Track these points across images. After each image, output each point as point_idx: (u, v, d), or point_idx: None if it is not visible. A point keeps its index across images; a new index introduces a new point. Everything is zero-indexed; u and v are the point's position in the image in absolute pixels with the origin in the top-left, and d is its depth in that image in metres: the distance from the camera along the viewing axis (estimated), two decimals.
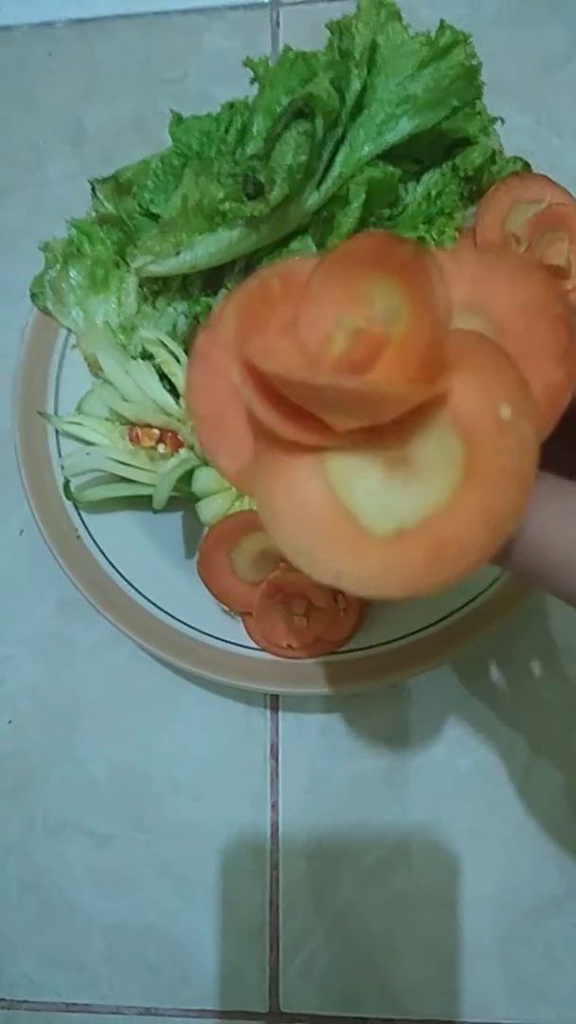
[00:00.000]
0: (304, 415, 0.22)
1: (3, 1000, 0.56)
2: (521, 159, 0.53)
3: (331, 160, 0.50)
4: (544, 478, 0.24)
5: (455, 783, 0.56)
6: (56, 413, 0.56)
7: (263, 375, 0.22)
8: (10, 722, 0.59)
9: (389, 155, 0.51)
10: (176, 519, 0.56)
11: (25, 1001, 0.56)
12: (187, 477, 0.51)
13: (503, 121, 0.53)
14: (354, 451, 0.23)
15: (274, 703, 0.57)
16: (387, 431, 0.23)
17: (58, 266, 0.55)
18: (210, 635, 0.52)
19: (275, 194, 0.47)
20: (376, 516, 0.22)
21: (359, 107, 0.50)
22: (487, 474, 0.22)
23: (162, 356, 0.53)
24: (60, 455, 0.55)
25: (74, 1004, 0.56)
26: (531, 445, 0.21)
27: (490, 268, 0.23)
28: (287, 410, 0.22)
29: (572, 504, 0.24)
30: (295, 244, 0.52)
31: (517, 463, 0.21)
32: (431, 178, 0.52)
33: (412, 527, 0.22)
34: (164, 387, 0.53)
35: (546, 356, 0.23)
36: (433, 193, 0.51)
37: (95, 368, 0.55)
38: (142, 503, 0.53)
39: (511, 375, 0.22)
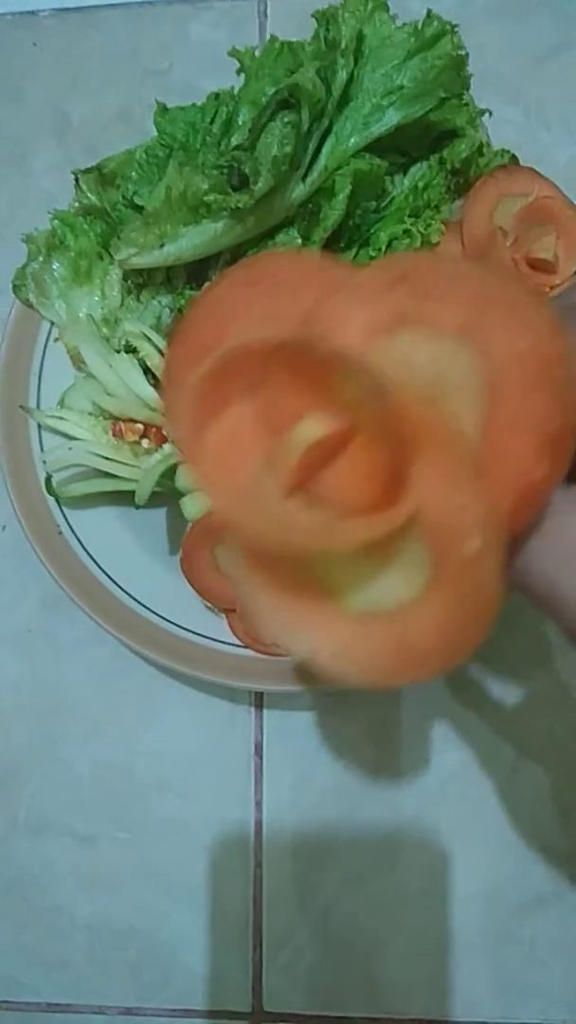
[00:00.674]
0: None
1: None
2: (508, 152, 0.53)
3: (317, 151, 0.50)
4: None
5: (441, 782, 0.55)
6: (38, 407, 0.55)
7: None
8: None
9: (376, 147, 0.50)
10: (160, 515, 0.55)
11: (6, 1001, 0.56)
12: (171, 472, 0.50)
13: (491, 113, 0.53)
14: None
15: (258, 701, 0.57)
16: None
17: (41, 258, 0.54)
18: (193, 632, 0.52)
19: (260, 186, 0.47)
20: (351, 592, 0.22)
21: (345, 98, 0.49)
22: (449, 594, 0.21)
23: (146, 350, 0.52)
24: (42, 450, 0.54)
25: (56, 1004, 0.55)
26: (492, 576, 0.20)
27: (492, 291, 0.21)
28: None
29: (557, 525, 0.23)
30: (280, 236, 0.51)
31: (477, 595, 0.21)
32: (418, 170, 0.51)
33: (383, 614, 0.22)
34: (148, 381, 0.52)
35: (536, 444, 0.21)
36: (420, 186, 0.51)
37: (78, 362, 0.55)
38: (125, 498, 0.53)
39: (474, 506, 0.20)
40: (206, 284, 0.52)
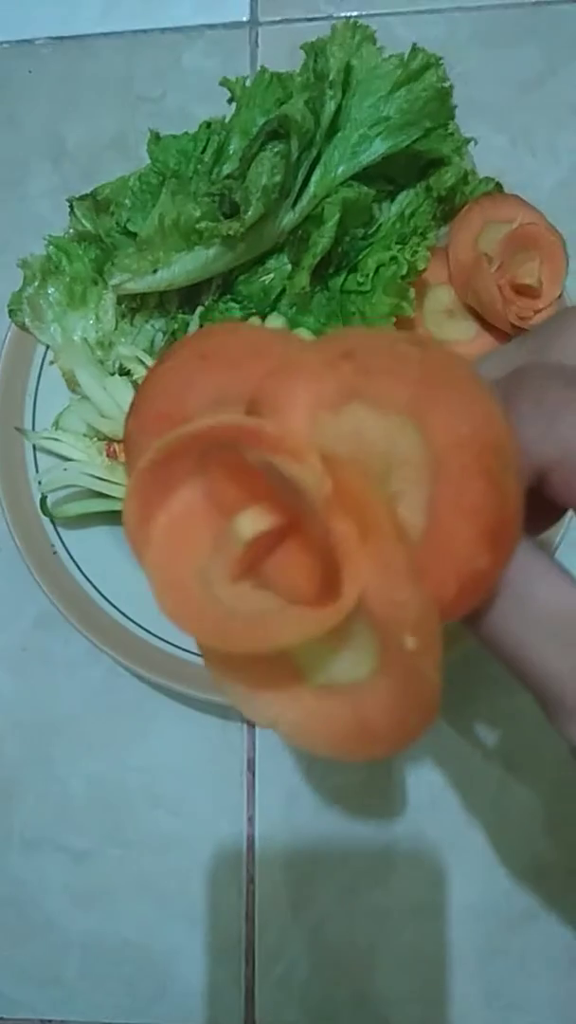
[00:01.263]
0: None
1: None
2: (493, 179, 0.54)
3: (306, 180, 0.51)
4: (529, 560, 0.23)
5: (431, 796, 0.56)
6: (33, 429, 0.56)
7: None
8: None
9: (363, 175, 0.51)
10: None
11: (1, 1018, 0.56)
12: None
13: (476, 142, 0.54)
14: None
15: None
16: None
17: (36, 283, 0.55)
18: (187, 650, 0.53)
19: (251, 214, 0.48)
20: (311, 665, 0.22)
21: (334, 128, 0.50)
22: (395, 679, 0.21)
23: (140, 372, 0.53)
24: (37, 471, 0.55)
25: (50, 1020, 0.56)
26: (431, 671, 0.20)
27: (435, 371, 0.21)
28: None
29: (529, 595, 0.22)
30: (271, 262, 0.52)
31: (419, 686, 0.20)
32: (405, 198, 0.53)
33: (340, 688, 0.22)
34: None
35: (477, 532, 0.20)
36: (407, 213, 0.52)
37: (73, 384, 0.55)
38: (119, 519, 0.53)
39: (413, 604, 0.20)
40: (198, 309, 0.53)
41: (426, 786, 0.56)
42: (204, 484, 0.22)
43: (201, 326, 0.52)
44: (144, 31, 0.69)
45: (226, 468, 0.22)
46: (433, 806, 0.56)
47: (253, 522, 0.21)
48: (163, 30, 0.69)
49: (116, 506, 0.53)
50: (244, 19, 0.68)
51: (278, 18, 0.68)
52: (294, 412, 0.21)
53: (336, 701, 0.22)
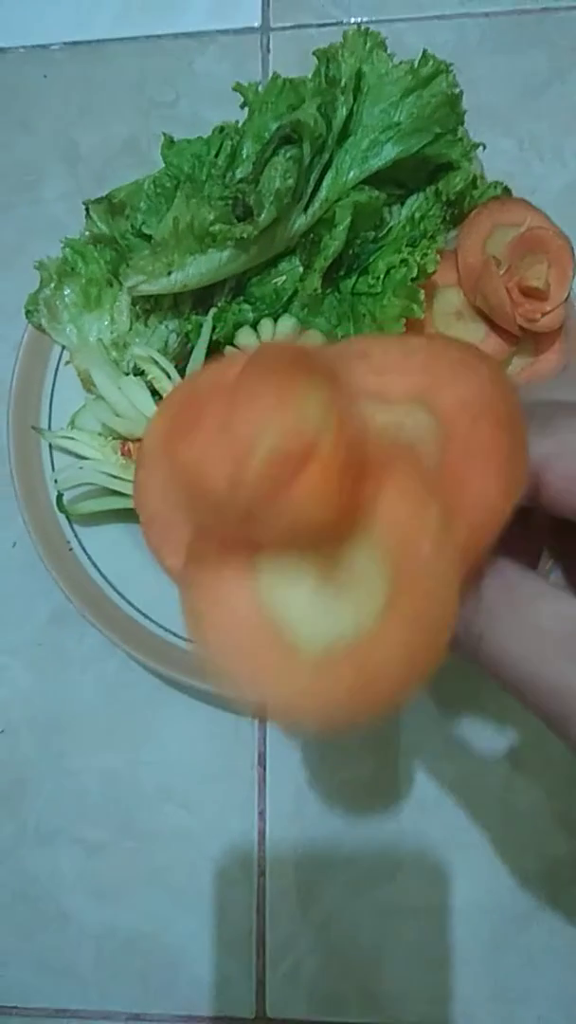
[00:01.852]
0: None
1: None
2: (501, 184, 0.55)
3: (318, 184, 0.52)
4: (503, 574, 0.24)
5: (439, 792, 0.57)
6: (49, 428, 0.57)
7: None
8: (2, 731, 0.60)
9: (374, 179, 0.52)
10: None
11: (15, 1007, 0.57)
12: None
13: (484, 147, 0.55)
14: (285, 557, 0.22)
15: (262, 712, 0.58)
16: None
17: (53, 284, 0.56)
18: None
19: (264, 217, 0.49)
20: (306, 633, 0.21)
21: (345, 133, 0.51)
22: (408, 611, 0.21)
23: (153, 372, 0.54)
24: (53, 469, 0.56)
25: (64, 1010, 0.57)
26: (450, 591, 0.20)
27: (437, 358, 0.22)
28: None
29: (531, 613, 0.23)
30: (283, 265, 0.53)
31: (435, 609, 0.21)
32: (415, 202, 0.54)
33: (340, 649, 0.21)
34: (155, 403, 0.54)
35: (487, 468, 0.21)
36: (416, 216, 0.53)
37: (88, 384, 0.56)
38: (133, 516, 0.54)
39: (432, 512, 0.21)
40: (212, 310, 0.54)
41: (433, 782, 0.57)
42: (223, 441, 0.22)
43: (214, 328, 0.53)
44: (157, 36, 0.70)
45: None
46: (440, 803, 0.57)
47: (284, 438, 0.21)
48: (176, 35, 0.70)
49: (131, 504, 0.54)
50: (256, 25, 0.69)
51: (289, 24, 0.69)
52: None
53: (332, 667, 0.21)
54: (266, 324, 0.53)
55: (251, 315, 0.53)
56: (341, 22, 0.69)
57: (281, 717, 0.23)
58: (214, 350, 0.54)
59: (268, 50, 0.69)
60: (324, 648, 0.21)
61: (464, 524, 0.21)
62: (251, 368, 0.21)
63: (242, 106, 0.56)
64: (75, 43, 0.71)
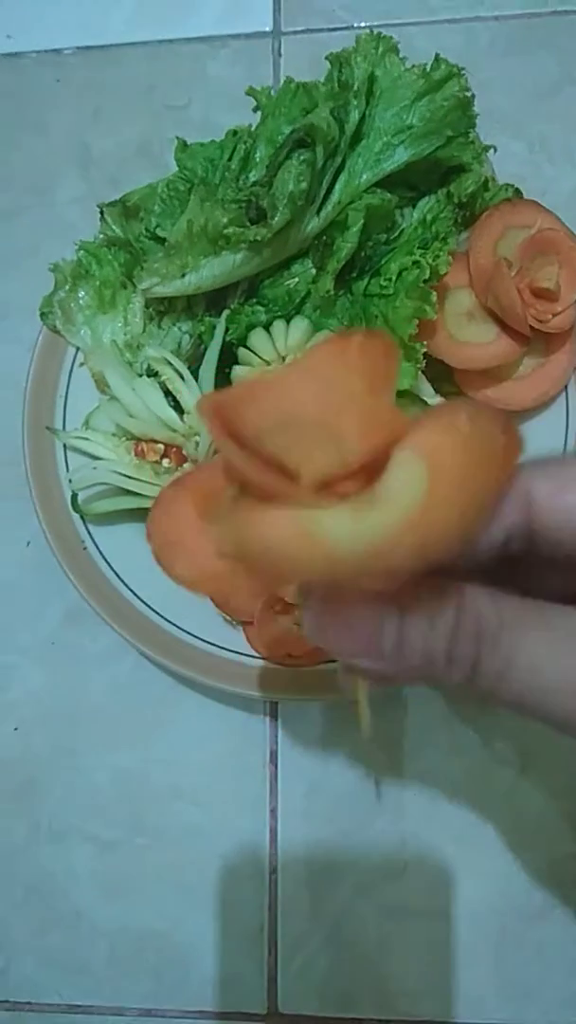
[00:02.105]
0: (278, 475, 0.23)
1: (7, 1002, 0.58)
2: (512, 186, 0.55)
3: (331, 187, 0.52)
4: (528, 604, 0.25)
5: (450, 789, 0.57)
6: (64, 428, 0.57)
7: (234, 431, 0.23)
8: (16, 729, 0.61)
9: (386, 182, 0.53)
10: None
11: (28, 1003, 0.57)
12: None
13: (495, 149, 0.56)
14: (326, 501, 0.23)
15: (273, 711, 0.59)
16: (353, 484, 0.23)
17: (67, 287, 0.57)
18: (212, 644, 0.54)
19: (277, 220, 0.49)
20: (348, 536, 0.23)
21: (358, 136, 0.52)
22: (449, 477, 0.23)
23: (167, 374, 0.55)
24: (68, 469, 0.57)
25: (77, 1006, 0.57)
26: (496, 434, 0.23)
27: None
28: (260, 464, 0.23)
29: (558, 630, 0.25)
30: (296, 267, 0.54)
31: (475, 474, 0.23)
32: (426, 204, 0.54)
33: (387, 530, 0.22)
34: (168, 404, 0.55)
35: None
36: (428, 219, 0.53)
37: (102, 385, 0.57)
38: (147, 516, 0.55)
39: (464, 412, 0.23)
40: (224, 311, 0.54)
41: (444, 779, 0.57)
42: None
43: (227, 329, 0.54)
44: (169, 41, 0.71)
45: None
46: (451, 799, 0.57)
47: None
48: (188, 40, 0.71)
49: (144, 503, 0.54)
50: (267, 29, 0.70)
51: (300, 28, 0.69)
52: None
53: (388, 541, 0.22)
54: (279, 326, 0.53)
55: (264, 317, 0.54)
56: (352, 26, 0.69)
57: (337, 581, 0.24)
58: (227, 352, 0.54)
59: (280, 54, 0.69)
60: (369, 535, 0.22)
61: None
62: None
63: (255, 110, 0.56)
64: (87, 47, 0.72)
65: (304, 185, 0.49)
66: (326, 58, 0.54)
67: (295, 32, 0.70)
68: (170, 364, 0.55)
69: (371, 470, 0.23)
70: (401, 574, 0.23)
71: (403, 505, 0.22)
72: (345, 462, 0.23)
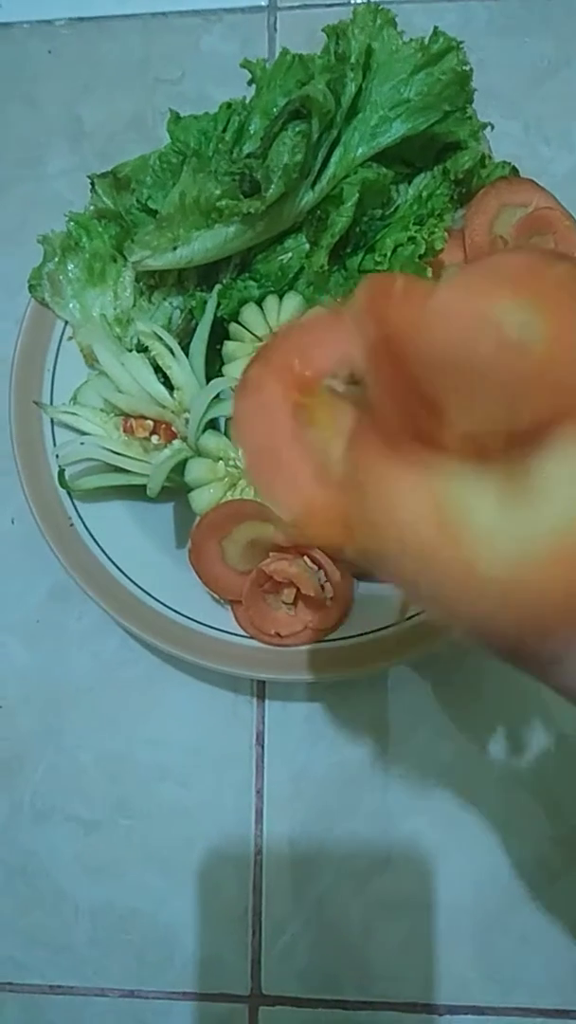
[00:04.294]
0: (421, 412, 0.20)
1: None
2: (509, 164, 0.55)
3: (326, 160, 0.51)
4: None
5: (437, 771, 0.57)
6: (52, 403, 0.57)
7: (395, 348, 0.19)
8: None
9: (382, 157, 0.52)
10: (167, 509, 0.57)
11: (10, 983, 0.57)
12: (180, 468, 0.52)
13: (492, 127, 0.55)
14: (469, 464, 0.20)
15: (260, 691, 0.58)
16: (505, 447, 0.20)
17: (56, 259, 0.56)
18: (199, 622, 0.53)
19: (271, 192, 0.49)
20: (493, 541, 0.19)
21: (354, 110, 0.51)
22: None
23: (157, 349, 0.54)
24: (55, 444, 0.56)
25: (59, 986, 0.57)
26: None
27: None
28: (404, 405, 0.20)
29: None
30: (289, 242, 0.53)
31: None
32: (422, 180, 0.53)
33: (537, 552, 0.19)
34: (158, 379, 0.54)
35: None
36: (424, 195, 0.53)
37: (91, 359, 0.56)
38: (135, 492, 0.54)
39: None
40: (216, 287, 0.54)
41: (432, 761, 0.57)
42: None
43: (218, 304, 0.53)
44: (163, 14, 0.70)
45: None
46: (439, 781, 0.57)
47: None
48: (182, 13, 0.69)
49: (132, 480, 0.53)
50: (263, 4, 0.69)
51: (296, 3, 0.68)
52: None
53: (528, 571, 0.19)
54: (271, 301, 0.52)
55: (256, 292, 0.53)
56: (348, 2, 0.68)
57: (466, 624, 0.21)
58: (218, 327, 0.54)
59: (275, 29, 0.68)
60: (516, 554, 0.19)
61: None
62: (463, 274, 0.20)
63: (249, 83, 0.55)
64: (80, 19, 0.70)
65: (299, 157, 0.49)
66: (323, 30, 0.53)
67: (291, 8, 0.69)
68: (160, 339, 0.54)
69: (526, 440, 0.19)
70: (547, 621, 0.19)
71: (566, 512, 0.19)
72: (511, 423, 0.19)
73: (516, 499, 0.19)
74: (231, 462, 0.52)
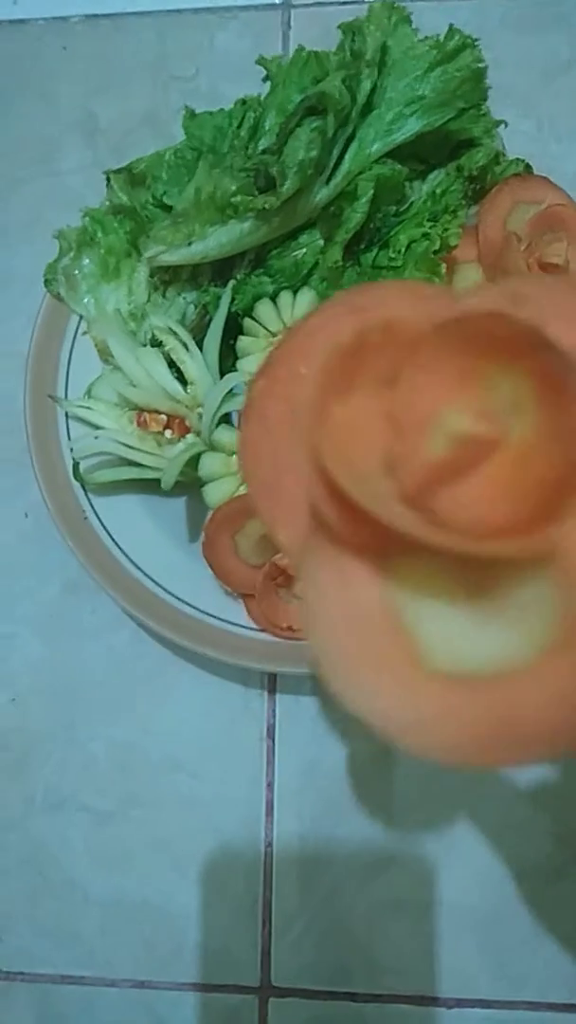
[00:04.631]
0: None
1: (0, 972, 0.58)
2: (523, 161, 0.55)
3: (341, 157, 0.52)
4: None
5: (444, 766, 0.57)
6: (66, 397, 0.57)
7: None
8: (13, 700, 0.60)
9: (396, 154, 0.52)
10: (180, 503, 0.57)
11: (21, 973, 0.57)
12: (194, 462, 0.52)
13: (506, 124, 0.55)
14: (429, 565, 0.19)
15: (271, 685, 0.59)
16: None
17: (71, 254, 0.56)
18: (212, 615, 0.54)
19: (286, 188, 0.49)
20: (441, 650, 0.18)
21: (369, 106, 0.52)
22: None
23: (171, 344, 0.54)
24: (69, 438, 0.56)
25: (69, 976, 0.57)
26: None
27: None
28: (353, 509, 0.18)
29: None
30: (303, 237, 0.53)
31: None
32: (436, 177, 0.54)
33: (483, 679, 0.18)
34: (172, 374, 0.54)
35: None
36: (438, 192, 0.53)
37: (105, 354, 0.57)
38: (148, 486, 0.55)
39: None
40: (230, 281, 0.54)
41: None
42: (381, 401, 0.19)
43: (233, 300, 0.53)
44: (177, 11, 0.70)
45: (419, 378, 0.19)
46: (448, 775, 0.57)
47: (459, 422, 0.18)
48: (196, 10, 0.70)
49: (146, 474, 0.54)
50: (277, 1, 0.69)
51: (310, 1, 0.69)
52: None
53: (470, 696, 0.18)
54: (285, 296, 0.53)
55: (270, 287, 0.53)
56: (362, 1, 0.69)
57: (399, 742, 0.19)
58: (232, 322, 0.54)
59: (289, 26, 0.69)
60: (462, 672, 0.18)
61: None
62: (442, 335, 0.18)
63: (264, 79, 0.56)
64: (95, 16, 0.71)
65: (314, 153, 0.49)
66: (339, 27, 0.53)
67: (305, 5, 0.69)
68: (174, 334, 0.54)
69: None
70: None
71: (520, 645, 0.17)
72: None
73: (475, 612, 0.18)
74: None
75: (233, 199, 0.50)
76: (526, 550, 0.17)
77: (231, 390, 0.53)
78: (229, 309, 0.53)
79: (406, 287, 0.21)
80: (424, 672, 0.18)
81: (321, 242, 0.53)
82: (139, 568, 0.55)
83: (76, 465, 0.55)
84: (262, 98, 0.55)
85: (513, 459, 0.18)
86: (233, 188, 0.50)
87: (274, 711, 0.58)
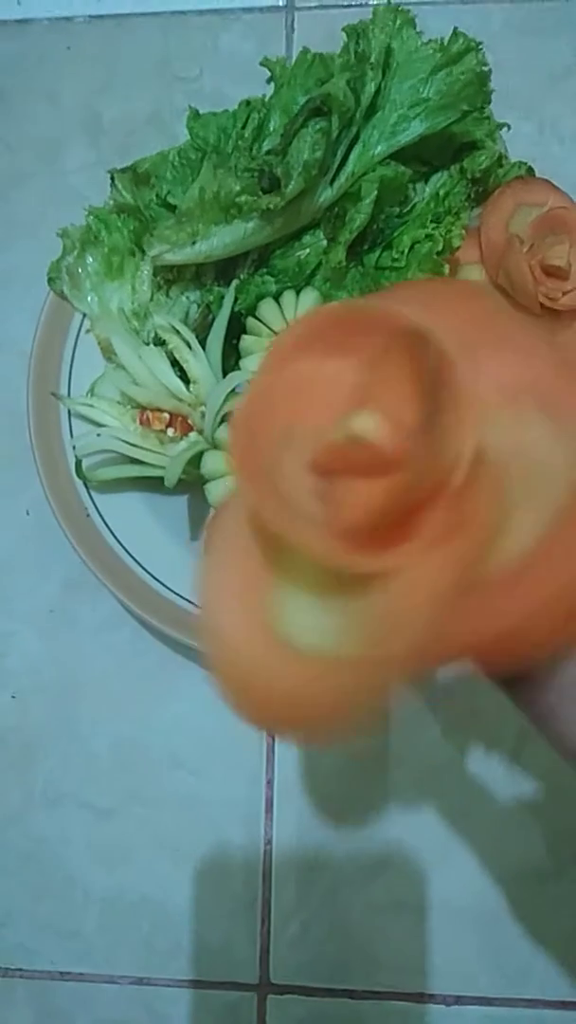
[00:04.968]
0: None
1: None
2: (526, 164, 0.55)
3: (345, 158, 0.52)
4: None
5: (445, 764, 0.57)
6: (69, 395, 0.57)
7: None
8: (13, 697, 0.60)
9: (400, 155, 0.53)
10: (182, 501, 0.58)
11: (20, 969, 0.58)
12: (196, 460, 0.53)
13: (509, 127, 0.56)
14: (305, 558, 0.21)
15: None
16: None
17: (75, 252, 0.56)
18: None
19: (291, 188, 0.49)
20: (291, 622, 0.21)
21: (373, 108, 0.52)
22: (362, 666, 0.21)
23: (174, 343, 0.54)
24: (72, 436, 0.56)
25: (68, 973, 0.57)
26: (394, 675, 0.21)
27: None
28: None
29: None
30: (307, 238, 0.54)
31: (375, 679, 0.21)
32: (439, 179, 0.54)
33: (307, 656, 0.21)
34: (175, 373, 0.55)
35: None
36: (441, 193, 0.53)
37: (108, 352, 0.57)
38: (151, 484, 0.55)
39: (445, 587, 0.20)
40: (233, 281, 0.54)
41: (440, 754, 0.58)
42: (359, 374, 0.21)
43: (236, 299, 0.54)
44: (181, 12, 0.70)
45: (387, 375, 0.20)
46: (447, 774, 0.57)
47: (370, 426, 0.20)
48: (200, 12, 0.70)
49: (148, 472, 0.54)
50: (281, 4, 0.69)
51: (314, 3, 0.69)
52: (484, 385, 0.20)
53: (291, 663, 0.21)
54: (288, 297, 0.53)
55: (274, 287, 0.54)
56: (365, 3, 0.69)
57: (216, 675, 0.24)
58: (235, 322, 0.54)
59: (292, 29, 0.69)
60: (298, 644, 0.21)
61: (539, 596, 0.20)
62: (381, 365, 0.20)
63: (269, 81, 0.56)
64: (99, 16, 0.71)
65: (319, 154, 0.49)
66: (343, 29, 0.53)
67: (309, 8, 0.69)
68: (178, 333, 0.54)
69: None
70: None
71: (336, 643, 0.21)
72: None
73: (326, 603, 0.21)
74: None
75: (237, 199, 0.50)
76: (368, 568, 0.19)
77: (234, 389, 0.53)
78: (232, 308, 0.54)
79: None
80: (271, 636, 0.21)
81: (324, 242, 0.53)
82: (141, 566, 0.55)
83: (79, 463, 0.55)
84: (266, 99, 0.55)
85: (400, 484, 0.20)
86: (237, 188, 0.50)
87: None
